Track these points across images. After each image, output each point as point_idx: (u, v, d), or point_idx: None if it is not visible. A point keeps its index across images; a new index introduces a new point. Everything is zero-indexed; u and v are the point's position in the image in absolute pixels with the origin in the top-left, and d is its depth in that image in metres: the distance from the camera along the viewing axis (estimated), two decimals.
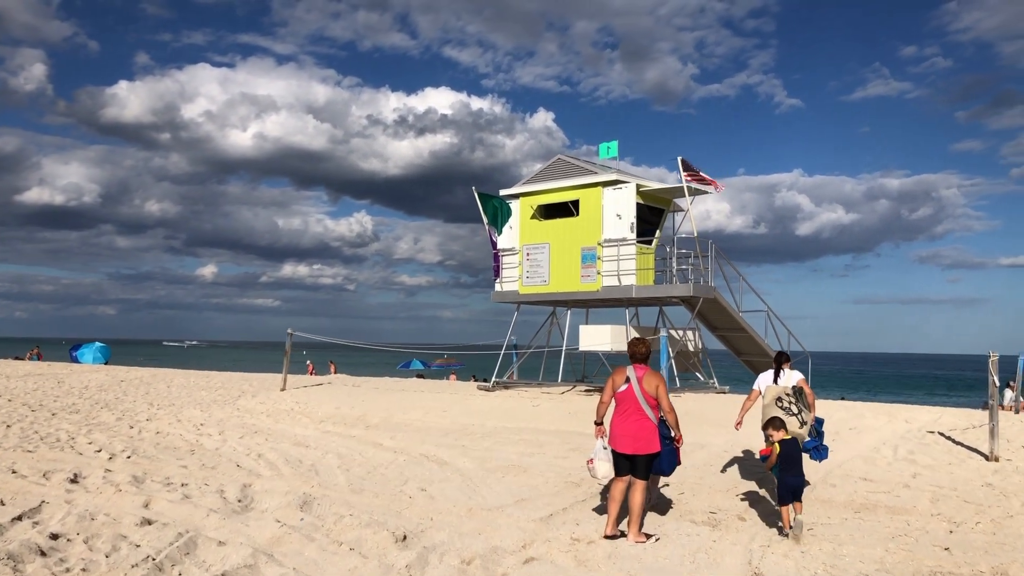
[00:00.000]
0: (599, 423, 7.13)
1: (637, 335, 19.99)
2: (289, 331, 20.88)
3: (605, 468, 6.95)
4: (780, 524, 7.29)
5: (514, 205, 20.03)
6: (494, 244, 20.42)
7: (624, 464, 6.91)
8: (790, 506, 7.21)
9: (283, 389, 20.47)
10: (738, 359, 20.26)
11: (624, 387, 6.86)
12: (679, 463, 7.27)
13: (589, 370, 22.31)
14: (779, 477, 7.28)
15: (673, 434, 7.04)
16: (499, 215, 20.24)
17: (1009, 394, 22.69)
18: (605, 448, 7.04)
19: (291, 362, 22.25)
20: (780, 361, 8.74)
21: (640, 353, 7.02)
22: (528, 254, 19.63)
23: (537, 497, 8.84)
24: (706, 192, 18.33)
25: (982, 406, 23.86)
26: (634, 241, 17.81)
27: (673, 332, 18.84)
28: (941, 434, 12.83)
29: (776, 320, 19.31)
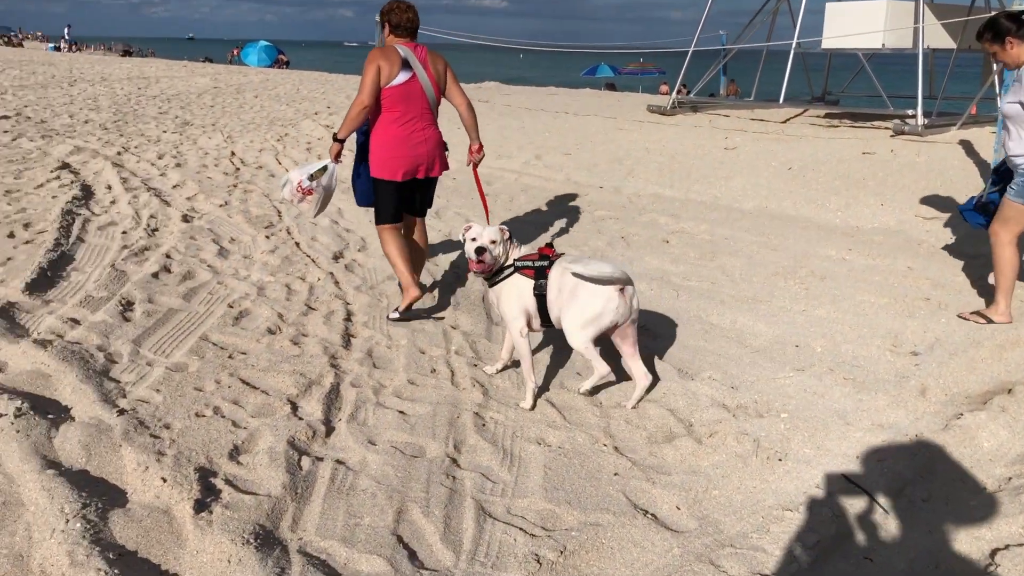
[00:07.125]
0: (342, 139, 4.35)
1: None
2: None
3: (288, 191, 4.40)
4: None
5: None
6: None
7: (395, 199, 4.37)
8: None
9: None
10: None
11: (404, 78, 4.16)
12: None
13: (833, 85, 13.95)
14: None
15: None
16: None
17: None
18: (327, 170, 4.41)
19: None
20: None
21: (410, 21, 4.24)
22: None
23: None
24: None
25: None
26: None
27: None
28: None
29: None
